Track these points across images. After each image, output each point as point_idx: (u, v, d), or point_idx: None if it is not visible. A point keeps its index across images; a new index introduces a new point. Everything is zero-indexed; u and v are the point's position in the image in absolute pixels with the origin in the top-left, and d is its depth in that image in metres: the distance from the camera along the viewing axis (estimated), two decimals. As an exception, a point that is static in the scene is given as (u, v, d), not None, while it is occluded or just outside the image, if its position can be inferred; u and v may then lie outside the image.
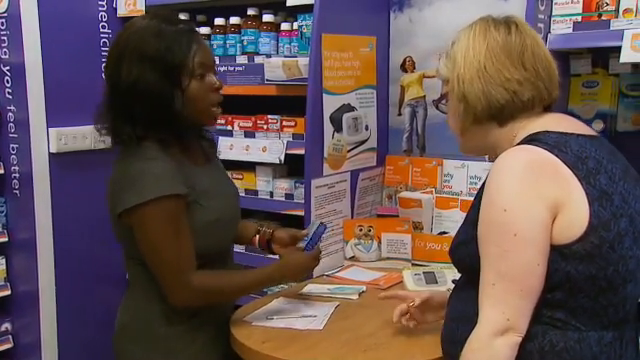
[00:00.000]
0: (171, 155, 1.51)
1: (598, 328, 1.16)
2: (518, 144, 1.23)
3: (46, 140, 2.42)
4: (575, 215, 1.13)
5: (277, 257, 1.82)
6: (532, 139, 1.21)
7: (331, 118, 2.15)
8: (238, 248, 2.09)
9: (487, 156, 1.40)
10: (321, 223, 1.80)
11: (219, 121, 2.36)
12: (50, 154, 2.43)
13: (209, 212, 1.55)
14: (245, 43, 2.34)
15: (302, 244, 1.77)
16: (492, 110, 1.26)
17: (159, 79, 1.46)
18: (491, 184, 1.18)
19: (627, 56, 1.57)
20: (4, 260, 2.45)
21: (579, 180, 1.15)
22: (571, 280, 1.13)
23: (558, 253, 1.13)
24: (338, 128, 2.19)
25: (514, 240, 1.13)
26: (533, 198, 1.13)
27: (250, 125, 2.31)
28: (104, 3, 2.60)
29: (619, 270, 1.14)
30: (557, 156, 1.16)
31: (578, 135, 1.22)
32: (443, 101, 1.37)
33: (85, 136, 2.48)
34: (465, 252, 1.27)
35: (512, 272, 1.14)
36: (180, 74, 1.49)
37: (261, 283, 1.68)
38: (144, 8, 2.55)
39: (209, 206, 1.55)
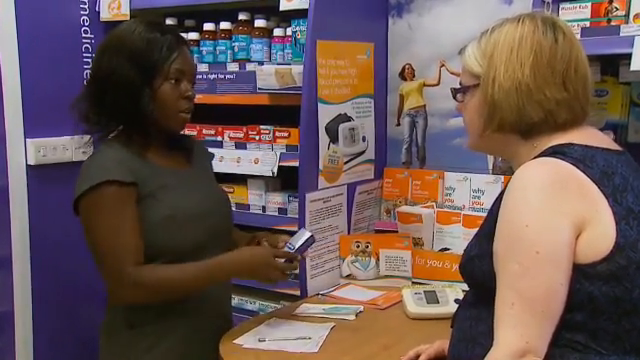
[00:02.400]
0: (131, 152, 1.63)
1: (620, 352, 1.14)
2: (539, 155, 1.22)
3: (23, 151, 2.40)
4: (600, 233, 1.12)
5: None
6: (555, 151, 1.20)
7: (326, 129, 2.15)
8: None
9: (495, 163, 1.38)
10: (311, 235, 1.77)
11: (208, 131, 2.38)
12: (28, 166, 2.41)
13: (164, 206, 1.62)
14: (236, 49, 2.35)
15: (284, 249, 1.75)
16: (521, 125, 1.25)
17: (133, 74, 1.60)
18: (511, 198, 1.18)
19: (638, 64, 1.58)
20: (-22, 279, 2.43)
21: (605, 197, 1.14)
22: (593, 301, 1.12)
23: (581, 273, 1.12)
24: (334, 139, 2.19)
25: (536, 258, 1.12)
26: (557, 214, 1.12)
27: (241, 136, 2.31)
28: (86, 7, 2.60)
29: None
30: (583, 171, 1.16)
31: (604, 149, 1.22)
32: (461, 93, 1.33)
33: (65, 147, 2.47)
34: (478, 267, 1.25)
35: (533, 292, 1.12)
36: (154, 74, 1.62)
37: (211, 273, 1.63)
38: (129, 12, 2.55)
39: (166, 200, 1.63)
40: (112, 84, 1.62)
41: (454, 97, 1.37)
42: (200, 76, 2.33)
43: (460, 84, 1.35)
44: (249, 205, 2.33)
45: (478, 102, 1.28)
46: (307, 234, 1.76)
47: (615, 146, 1.27)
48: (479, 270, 1.25)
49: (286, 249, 1.74)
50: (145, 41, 1.62)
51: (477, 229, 1.33)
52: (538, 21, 1.25)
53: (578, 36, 1.69)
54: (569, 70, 1.23)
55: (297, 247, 1.73)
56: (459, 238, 2.17)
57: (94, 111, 1.65)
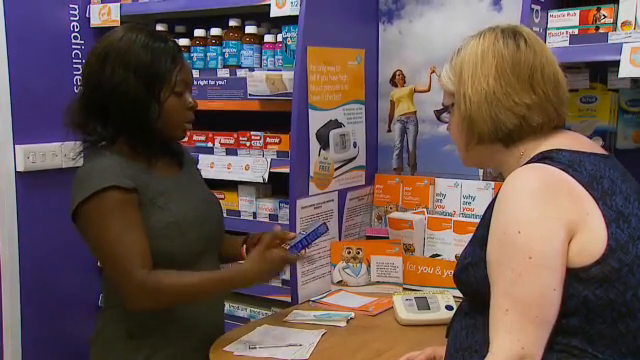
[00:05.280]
0: (126, 158, 1.61)
1: (616, 356, 1.15)
2: (529, 162, 1.24)
3: (12, 158, 2.40)
4: (592, 237, 1.14)
5: None
6: (544, 157, 1.22)
7: (317, 135, 2.16)
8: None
9: (485, 169, 1.40)
10: (323, 223, 1.81)
11: (199, 138, 2.38)
12: (17, 173, 2.41)
13: (167, 213, 1.62)
14: (227, 56, 2.36)
15: (291, 243, 1.76)
16: (499, 134, 1.28)
17: (140, 88, 1.58)
18: (503, 204, 1.19)
19: (626, 71, 1.60)
20: (-35, 287, 2.42)
21: (595, 201, 1.16)
22: (588, 305, 1.13)
23: (574, 277, 1.14)
24: (325, 145, 2.20)
25: (529, 263, 1.13)
26: (549, 219, 1.14)
27: (232, 142, 2.32)
28: (76, 12, 2.60)
29: (638, 295, 1.14)
30: (572, 176, 1.17)
31: (591, 154, 1.24)
32: (445, 113, 1.38)
33: (55, 154, 2.47)
34: (472, 275, 1.26)
35: (527, 297, 1.13)
36: (161, 87, 1.61)
37: (221, 283, 1.66)
38: (119, 18, 2.55)
39: (168, 208, 1.63)
40: (118, 97, 1.58)
41: (438, 118, 1.42)
42: (191, 82, 2.34)
43: (442, 104, 1.39)
44: (240, 211, 2.33)
45: (458, 119, 1.33)
46: (318, 223, 1.81)
47: (601, 150, 1.29)
48: (473, 277, 1.26)
49: (298, 236, 1.79)
50: (150, 52, 1.59)
51: (468, 235, 1.35)
52: (498, 33, 1.30)
53: (566, 43, 1.72)
54: (535, 74, 1.26)
55: (305, 235, 1.77)
56: (450, 244, 2.18)
57: (98, 123, 1.61)
